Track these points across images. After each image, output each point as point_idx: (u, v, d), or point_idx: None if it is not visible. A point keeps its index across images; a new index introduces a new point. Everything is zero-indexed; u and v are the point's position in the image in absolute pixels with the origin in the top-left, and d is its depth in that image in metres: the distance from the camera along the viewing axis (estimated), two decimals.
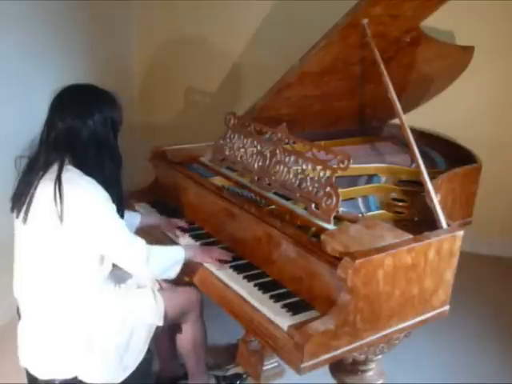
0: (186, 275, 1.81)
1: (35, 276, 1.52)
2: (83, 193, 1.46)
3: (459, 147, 2.51)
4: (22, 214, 1.49)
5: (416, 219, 1.81)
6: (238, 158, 2.04)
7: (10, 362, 1.77)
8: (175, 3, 3.66)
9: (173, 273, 1.67)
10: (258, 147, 1.96)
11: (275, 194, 1.84)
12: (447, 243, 1.58)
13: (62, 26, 2.87)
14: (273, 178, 1.85)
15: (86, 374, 1.52)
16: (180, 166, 2.19)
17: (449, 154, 2.46)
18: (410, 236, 1.53)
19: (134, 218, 1.92)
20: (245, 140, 2.04)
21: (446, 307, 1.68)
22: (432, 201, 1.67)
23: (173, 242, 1.91)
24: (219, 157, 2.14)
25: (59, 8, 2.81)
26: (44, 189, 1.46)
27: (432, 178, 1.80)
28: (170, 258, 1.67)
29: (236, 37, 3.59)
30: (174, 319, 1.79)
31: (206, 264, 1.75)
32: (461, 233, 1.61)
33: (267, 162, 1.90)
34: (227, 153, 2.10)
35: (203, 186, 2.01)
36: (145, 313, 1.67)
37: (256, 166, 1.94)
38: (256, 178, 1.93)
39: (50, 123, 1.53)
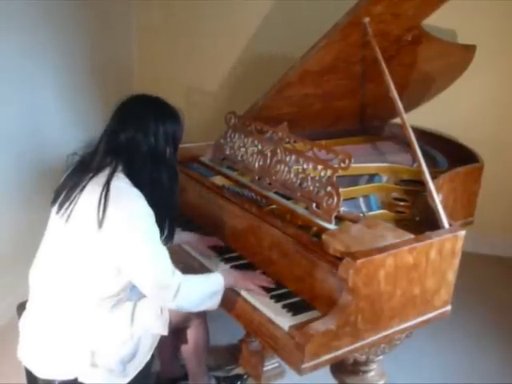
0: None
1: (56, 273, 1.47)
2: (129, 204, 1.42)
3: (461, 146, 2.50)
4: (63, 211, 1.45)
5: (417, 219, 1.81)
6: (239, 158, 2.03)
7: (9, 362, 1.76)
8: (175, 3, 3.65)
9: (212, 304, 1.56)
10: (259, 146, 1.95)
11: (276, 193, 1.84)
12: (449, 243, 1.57)
13: (63, 25, 2.87)
14: (273, 177, 1.85)
15: (87, 378, 1.50)
16: (180, 166, 2.17)
17: (450, 154, 2.45)
18: (412, 236, 1.52)
19: None
20: (245, 139, 2.03)
21: (448, 307, 1.68)
22: (433, 200, 1.66)
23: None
24: (220, 156, 2.13)
25: (60, 7, 2.81)
26: (91, 192, 1.43)
27: (433, 177, 1.79)
28: (206, 290, 1.54)
29: (236, 36, 3.58)
30: (177, 325, 1.76)
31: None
32: (462, 233, 1.60)
33: (268, 162, 1.89)
34: (228, 152, 2.09)
35: (203, 186, 2.00)
36: (151, 323, 1.63)
37: (257, 165, 1.93)
38: (257, 178, 1.92)
39: (111, 130, 1.50)
